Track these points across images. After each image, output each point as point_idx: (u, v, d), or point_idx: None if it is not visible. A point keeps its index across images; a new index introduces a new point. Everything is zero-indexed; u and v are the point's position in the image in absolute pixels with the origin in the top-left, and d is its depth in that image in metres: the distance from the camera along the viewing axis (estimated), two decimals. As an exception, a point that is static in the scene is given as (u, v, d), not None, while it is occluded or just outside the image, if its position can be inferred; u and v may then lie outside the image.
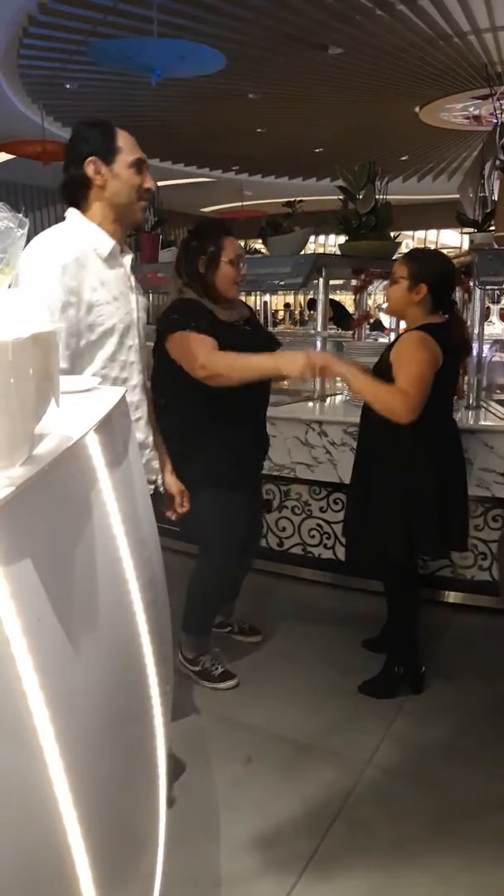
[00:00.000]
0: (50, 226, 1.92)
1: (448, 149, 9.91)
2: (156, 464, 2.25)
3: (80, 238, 1.87)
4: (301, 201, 4.65)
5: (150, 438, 2.19)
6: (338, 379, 3.36)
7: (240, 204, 13.55)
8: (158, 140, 9.37)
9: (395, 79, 7.00)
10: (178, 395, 2.45)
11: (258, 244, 9.48)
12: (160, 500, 2.30)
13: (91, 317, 1.85)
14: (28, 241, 1.19)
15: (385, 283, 2.90)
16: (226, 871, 1.88)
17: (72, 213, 1.92)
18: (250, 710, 2.59)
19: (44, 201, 11.68)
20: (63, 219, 1.95)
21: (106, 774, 0.90)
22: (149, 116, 8.06)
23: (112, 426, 1.12)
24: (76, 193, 1.91)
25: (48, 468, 0.82)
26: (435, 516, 2.52)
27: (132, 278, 2.01)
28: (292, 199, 4.66)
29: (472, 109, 8.04)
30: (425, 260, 2.54)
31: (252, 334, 2.63)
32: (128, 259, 2.00)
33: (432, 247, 14.73)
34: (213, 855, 1.93)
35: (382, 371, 2.46)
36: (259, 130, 9.14)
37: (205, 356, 2.34)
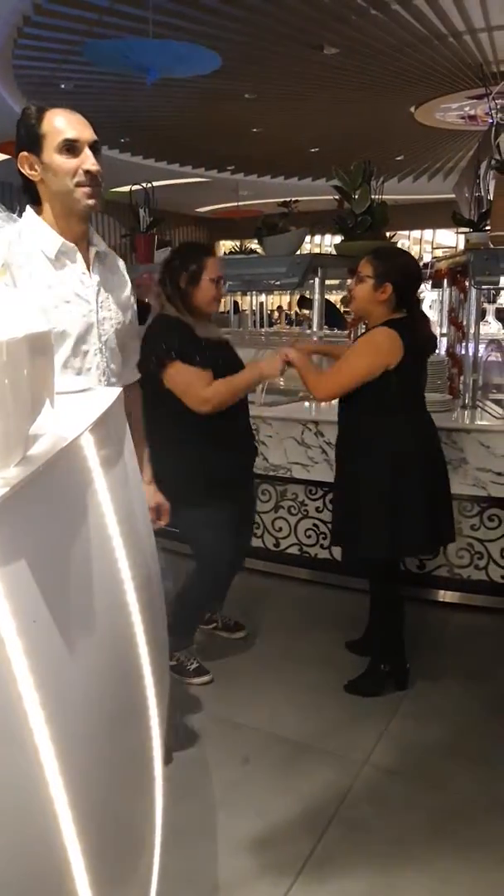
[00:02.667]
0: None
1: (443, 148, 9.91)
2: None
3: (26, 239, 1.74)
4: (297, 201, 4.65)
5: None
6: None
7: (235, 204, 13.56)
8: (154, 140, 9.37)
9: (391, 78, 7.00)
10: (157, 409, 2.44)
11: (254, 244, 9.50)
12: None
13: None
14: None
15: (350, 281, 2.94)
16: (223, 873, 1.88)
17: (26, 213, 1.80)
18: (247, 710, 2.59)
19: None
20: None
21: (102, 775, 0.90)
22: (144, 117, 8.05)
23: (107, 426, 1.11)
24: (31, 194, 1.79)
25: (43, 469, 0.82)
26: (420, 512, 2.54)
27: (94, 277, 1.82)
28: (288, 199, 4.67)
29: (467, 109, 8.05)
30: (391, 259, 2.60)
31: (223, 350, 2.72)
32: (85, 256, 1.81)
33: (428, 247, 14.75)
34: (210, 856, 1.93)
35: None
36: (255, 130, 9.13)
37: (207, 391, 2.50)
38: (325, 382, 2.60)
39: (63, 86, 7.14)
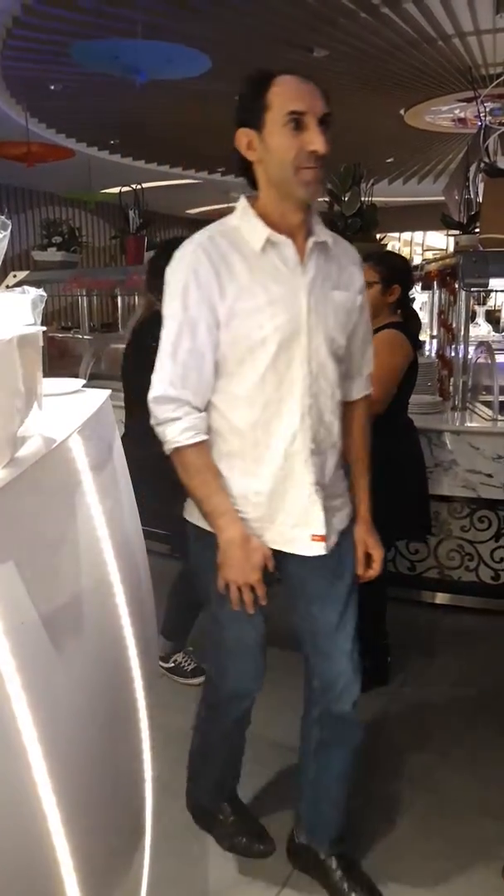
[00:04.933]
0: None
1: (433, 151, 9.94)
2: (342, 515, 1.70)
3: (221, 241, 1.51)
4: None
5: (343, 485, 1.72)
6: None
7: (226, 205, 13.56)
8: (144, 141, 9.36)
9: (380, 81, 7.02)
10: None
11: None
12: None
13: (232, 329, 1.49)
14: (11, 246, 1.15)
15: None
16: (213, 876, 1.88)
17: (238, 204, 1.58)
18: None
19: (28, 203, 11.63)
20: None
21: (90, 777, 0.90)
22: (134, 118, 8.04)
23: (96, 428, 1.11)
24: (249, 178, 1.56)
25: (31, 471, 0.81)
26: (415, 502, 2.72)
27: (308, 272, 1.52)
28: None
29: (457, 112, 8.08)
30: (392, 262, 2.67)
31: None
32: (300, 248, 1.52)
33: (418, 249, 14.80)
34: (201, 859, 1.92)
35: None
36: (245, 132, 9.14)
37: None
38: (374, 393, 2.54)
39: (52, 87, 7.12)
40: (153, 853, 1.28)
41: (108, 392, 1.39)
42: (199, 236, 1.51)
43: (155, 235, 6.10)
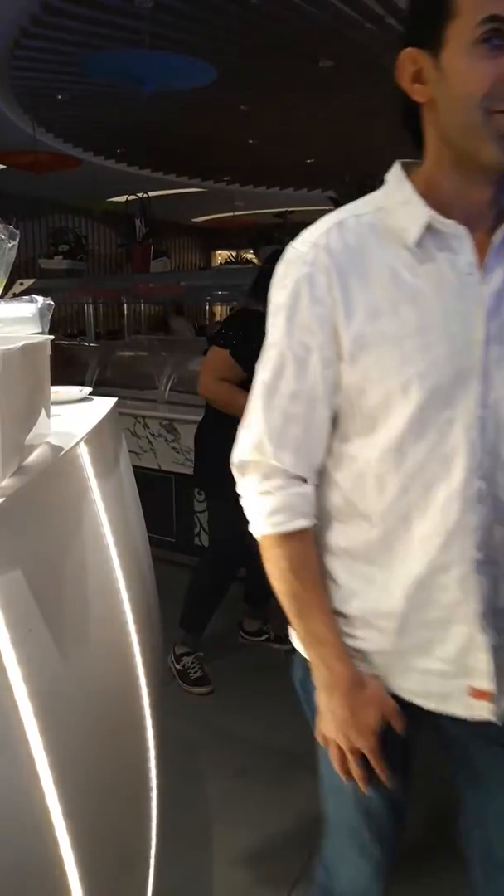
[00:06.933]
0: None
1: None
2: None
3: (353, 227, 0.97)
4: (292, 212, 4.68)
5: None
6: None
7: (231, 214, 13.61)
8: (150, 151, 9.41)
9: (386, 92, 7.05)
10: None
11: (249, 254, 9.53)
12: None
13: (361, 367, 0.95)
14: (18, 254, 1.13)
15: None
16: (217, 885, 1.87)
17: (390, 174, 1.04)
18: (244, 721, 2.58)
19: (35, 211, 11.70)
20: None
21: (97, 786, 0.90)
22: (140, 128, 8.09)
23: (103, 437, 1.12)
24: (414, 132, 1.00)
25: (38, 479, 0.82)
26: None
27: (492, 280, 0.94)
28: (283, 210, 4.69)
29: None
30: None
31: None
32: (481, 243, 0.95)
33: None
34: (205, 868, 1.91)
35: None
36: (250, 142, 9.19)
37: (213, 382, 2.58)
38: None
39: (60, 97, 7.17)
40: (158, 861, 1.27)
41: (114, 400, 1.39)
42: (323, 224, 0.98)
43: (161, 244, 6.13)
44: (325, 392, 0.97)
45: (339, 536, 1.04)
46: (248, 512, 1.03)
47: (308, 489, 1.02)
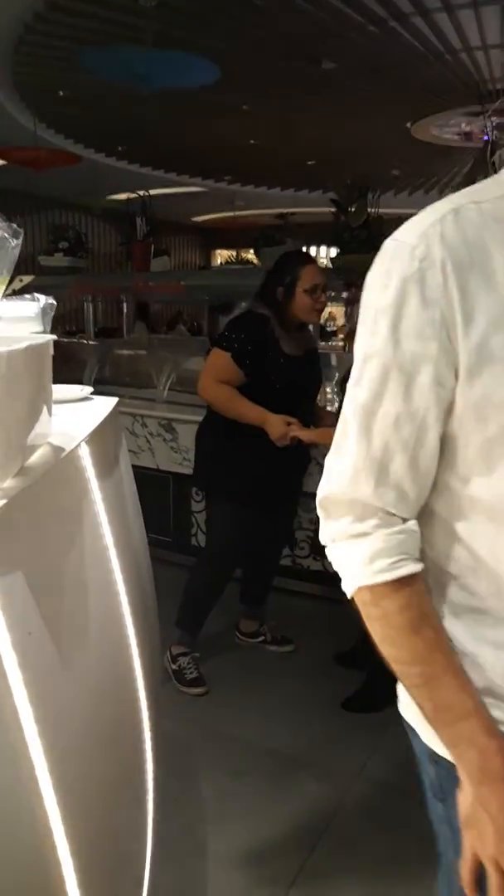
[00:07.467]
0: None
1: (439, 164, 9.99)
2: None
3: (475, 217, 0.77)
4: (293, 213, 4.68)
5: None
6: None
7: (232, 213, 13.61)
8: (151, 149, 9.40)
9: (388, 94, 7.05)
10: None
11: (250, 254, 9.52)
12: None
13: (481, 385, 0.76)
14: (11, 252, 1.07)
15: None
16: (213, 887, 1.87)
17: None
18: (240, 722, 2.58)
19: (35, 208, 11.68)
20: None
21: (94, 789, 0.90)
22: (142, 125, 8.08)
23: (104, 437, 1.11)
24: None
25: (39, 480, 0.81)
26: None
27: None
28: (284, 211, 4.69)
29: (463, 126, 8.11)
30: None
31: (296, 371, 2.65)
32: None
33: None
34: (201, 870, 1.91)
35: None
36: (252, 142, 9.19)
37: (213, 385, 2.56)
38: None
39: (61, 93, 7.17)
40: (154, 861, 1.27)
41: (115, 400, 1.39)
42: (434, 211, 0.79)
43: (161, 243, 6.12)
44: (437, 416, 0.78)
45: (459, 592, 0.84)
46: (339, 563, 0.84)
47: (415, 526, 0.82)
